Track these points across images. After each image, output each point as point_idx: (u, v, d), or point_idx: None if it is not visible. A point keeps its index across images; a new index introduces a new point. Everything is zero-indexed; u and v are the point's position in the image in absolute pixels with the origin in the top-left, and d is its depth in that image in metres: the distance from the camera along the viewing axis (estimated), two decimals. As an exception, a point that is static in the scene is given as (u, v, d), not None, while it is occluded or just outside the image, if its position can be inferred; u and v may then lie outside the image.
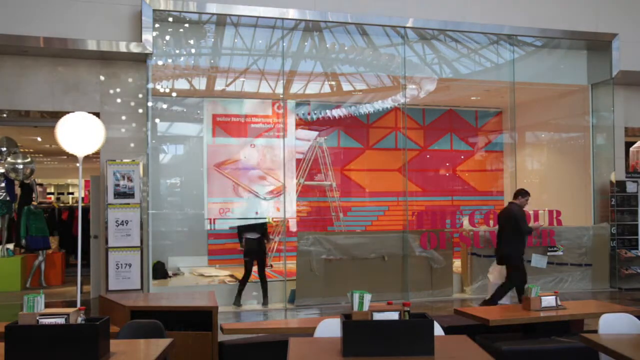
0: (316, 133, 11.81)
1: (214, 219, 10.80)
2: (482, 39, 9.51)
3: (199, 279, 9.38)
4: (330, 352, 3.14)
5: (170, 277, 9.45)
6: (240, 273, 8.68)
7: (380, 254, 8.71)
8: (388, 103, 11.56)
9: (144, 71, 7.97)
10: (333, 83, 11.05)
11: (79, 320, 3.28)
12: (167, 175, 10.78)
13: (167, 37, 8.39)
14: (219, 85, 10.57)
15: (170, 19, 8.23)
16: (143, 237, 7.55)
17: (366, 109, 11.84)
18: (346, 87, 11.18)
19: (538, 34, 9.41)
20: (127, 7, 7.71)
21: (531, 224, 8.76)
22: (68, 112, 6.48)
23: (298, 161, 11.57)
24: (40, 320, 3.21)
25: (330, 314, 6.18)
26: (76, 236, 6.62)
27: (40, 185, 14.41)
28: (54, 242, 10.71)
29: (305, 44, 9.21)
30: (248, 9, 8.14)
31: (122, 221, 7.42)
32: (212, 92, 10.77)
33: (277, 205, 10.95)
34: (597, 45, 9.71)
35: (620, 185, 9.86)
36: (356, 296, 3.29)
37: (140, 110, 7.96)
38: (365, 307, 3.28)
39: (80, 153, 6.36)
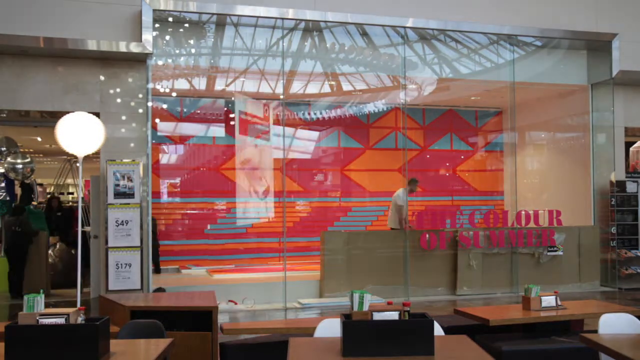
0: (316, 133, 11.82)
1: (214, 219, 10.82)
2: (482, 39, 9.51)
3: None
4: (330, 352, 3.14)
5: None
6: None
7: (531, 250, 9.32)
8: (388, 103, 11.56)
9: (144, 71, 7.96)
10: (333, 83, 11.06)
11: (79, 320, 3.28)
12: (168, 175, 10.78)
13: (167, 37, 8.39)
14: (219, 85, 10.58)
15: (170, 19, 8.23)
16: (143, 237, 7.55)
17: (366, 109, 11.84)
18: (346, 87, 11.19)
19: (538, 34, 9.41)
20: (127, 7, 7.71)
21: None
22: (68, 112, 6.48)
23: (298, 161, 11.58)
24: (40, 320, 3.21)
25: (332, 314, 6.17)
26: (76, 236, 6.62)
27: (41, 185, 14.42)
28: (53, 241, 10.69)
29: (305, 44, 9.21)
30: (248, 9, 8.14)
31: (122, 221, 7.42)
32: (212, 92, 10.77)
33: (275, 205, 10.94)
34: (597, 45, 9.71)
35: (620, 185, 9.85)
36: (356, 296, 3.29)
37: (140, 110, 7.96)
38: (365, 307, 3.28)
39: (80, 153, 6.36)
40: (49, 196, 12.63)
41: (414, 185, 9.76)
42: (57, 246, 10.26)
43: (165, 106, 10.51)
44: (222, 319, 6.94)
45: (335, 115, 11.69)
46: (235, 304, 8.07)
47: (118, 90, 7.92)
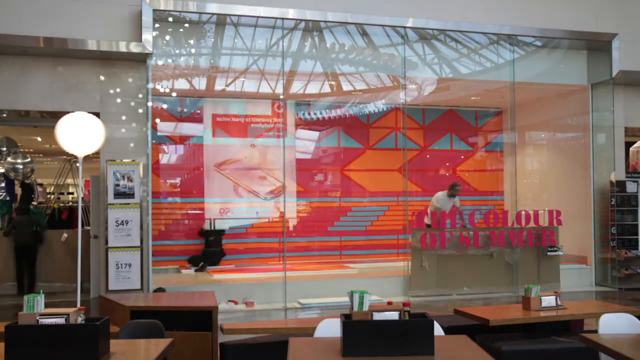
0: (316, 133, 11.81)
1: (214, 219, 10.81)
2: (482, 39, 9.51)
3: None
4: (330, 352, 3.14)
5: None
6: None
7: (489, 251, 9.22)
8: (388, 103, 11.56)
9: (144, 71, 7.97)
10: (333, 83, 11.06)
11: (79, 320, 3.28)
12: (168, 175, 10.78)
13: (167, 37, 8.39)
14: (219, 85, 10.58)
15: (170, 19, 8.23)
16: (143, 237, 7.55)
17: (366, 109, 11.84)
18: (346, 87, 11.19)
19: (538, 34, 9.41)
20: (127, 7, 7.71)
21: None
22: (68, 112, 6.48)
23: (298, 161, 11.58)
24: (40, 320, 3.21)
25: (332, 314, 6.18)
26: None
27: (41, 185, 14.42)
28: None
29: (305, 44, 9.21)
30: (248, 9, 8.14)
31: (122, 221, 7.42)
32: (212, 92, 10.77)
33: (277, 205, 10.95)
34: (597, 45, 9.71)
35: (620, 185, 9.85)
36: (356, 296, 3.29)
37: (140, 110, 7.96)
38: (365, 307, 3.28)
39: (80, 153, 6.36)
40: (53, 203, 12.68)
41: (455, 190, 9.88)
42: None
43: (165, 106, 10.51)
44: (222, 319, 6.95)
45: (335, 115, 11.68)
46: (236, 303, 8.07)
47: (118, 90, 7.92)
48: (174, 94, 10.37)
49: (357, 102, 11.76)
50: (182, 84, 10.40)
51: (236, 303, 8.08)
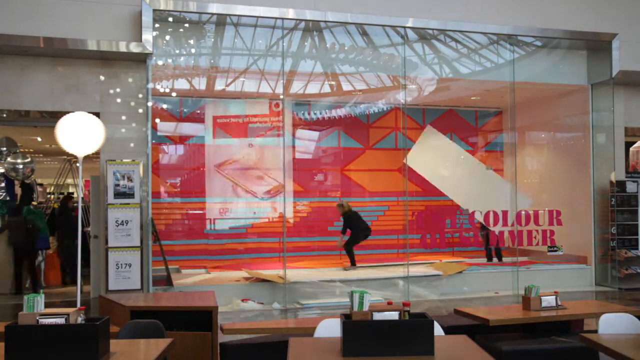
0: (316, 133, 11.82)
1: (214, 219, 10.81)
2: (482, 39, 9.51)
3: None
4: (330, 352, 3.14)
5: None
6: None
7: None
8: (388, 103, 11.56)
9: (144, 71, 7.96)
10: (333, 83, 11.06)
11: (79, 320, 3.28)
12: (168, 175, 10.78)
13: (167, 37, 8.39)
14: (219, 85, 10.58)
15: (170, 19, 8.23)
16: (143, 237, 7.55)
17: (366, 109, 11.84)
18: (346, 87, 11.19)
19: (538, 34, 9.40)
20: (127, 7, 7.71)
21: None
22: (68, 112, 6.48)
23: (298, 161, 11.58)
24: (40, 320, 3.21)
25: (332, 314, 6.18)
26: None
27: (41, 185, 14.43)
28: (53, 242, 10.70)
29: (305, 44, 9.21)
30: (248, 9, 8.13)
31: (122, 221, 7.42)
32: (212, 92, 10.77)
33: (275, 205, 10.95)
34: (597, 45, 9.71)
35: (620, 185, 9.85)
36: (356, 296, 3.29)
37: (140, 110, 7.96)
38: (365, 307, 3.28)
39: (80, 153, 6.36)
40: (62, 195, 12.69)
41: None
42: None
43: (165, 106, 10.52)
44: (242, 318, 6.98)
45: (335, 115, 11.69)
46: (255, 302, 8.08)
47: (118, 90, 7.92)
48: (174, 94, 10.37)
49: (357, 102, 11.77)
50: (182, 84, 10.41)
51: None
